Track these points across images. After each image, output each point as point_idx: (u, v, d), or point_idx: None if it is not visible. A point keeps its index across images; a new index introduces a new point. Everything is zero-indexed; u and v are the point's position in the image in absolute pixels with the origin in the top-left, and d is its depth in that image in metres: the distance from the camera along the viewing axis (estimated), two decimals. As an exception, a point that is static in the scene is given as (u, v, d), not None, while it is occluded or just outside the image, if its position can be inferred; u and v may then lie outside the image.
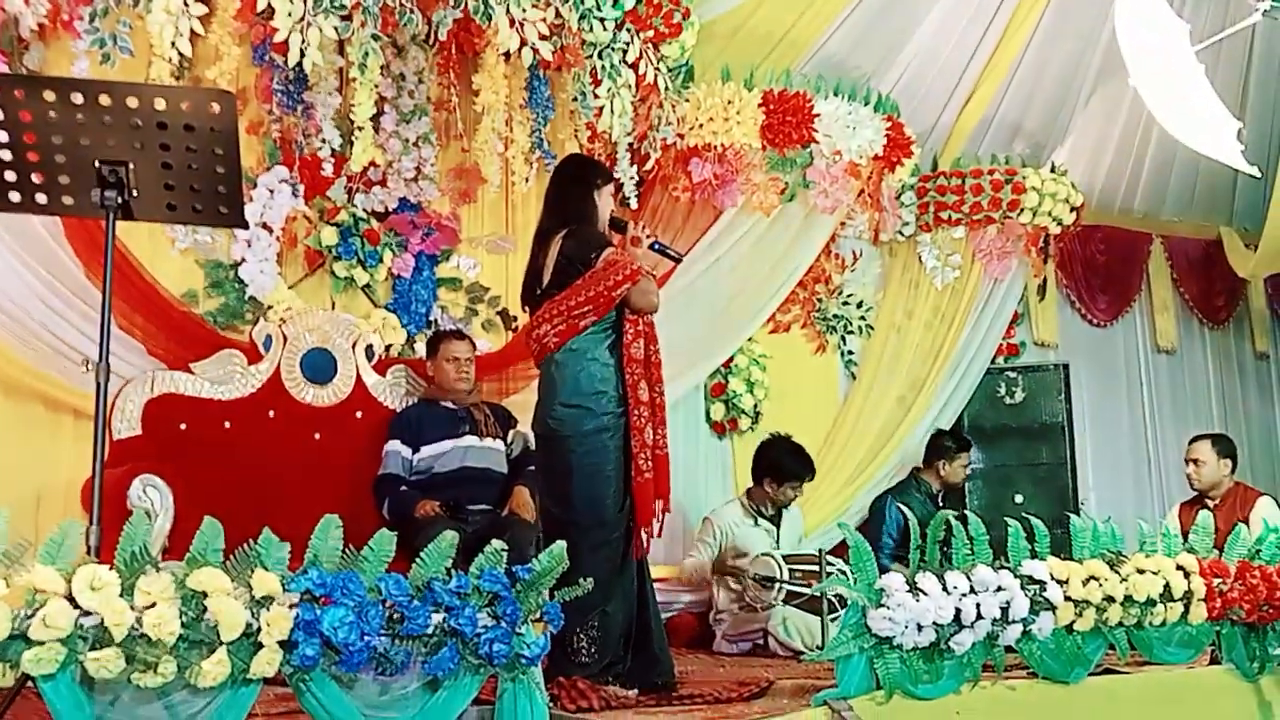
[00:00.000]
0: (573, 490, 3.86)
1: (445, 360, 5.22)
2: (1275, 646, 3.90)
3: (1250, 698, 3.84)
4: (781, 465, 5.73)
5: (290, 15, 4.49)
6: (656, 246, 4.22)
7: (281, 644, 2.41)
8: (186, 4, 4.61)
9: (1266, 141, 7.50)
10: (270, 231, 5.36)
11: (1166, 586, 3.67)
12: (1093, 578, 3.55)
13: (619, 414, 3.88)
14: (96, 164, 3.10)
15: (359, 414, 5.36)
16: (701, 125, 6.05)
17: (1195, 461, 6.05)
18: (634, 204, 5.83)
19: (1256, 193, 8.16)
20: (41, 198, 3.17)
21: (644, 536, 3.87)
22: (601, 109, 5.33)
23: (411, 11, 4.82)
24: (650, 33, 5.44)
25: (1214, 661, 3.94)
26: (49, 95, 3.05)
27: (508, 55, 5.21)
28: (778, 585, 5.31)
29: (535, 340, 4.00)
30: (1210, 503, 5.87)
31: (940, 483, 6.50)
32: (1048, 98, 7.48)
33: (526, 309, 4.15)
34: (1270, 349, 9.13)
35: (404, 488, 4.99)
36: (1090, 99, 7.55)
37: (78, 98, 3.05)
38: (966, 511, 3.92)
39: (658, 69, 5.51)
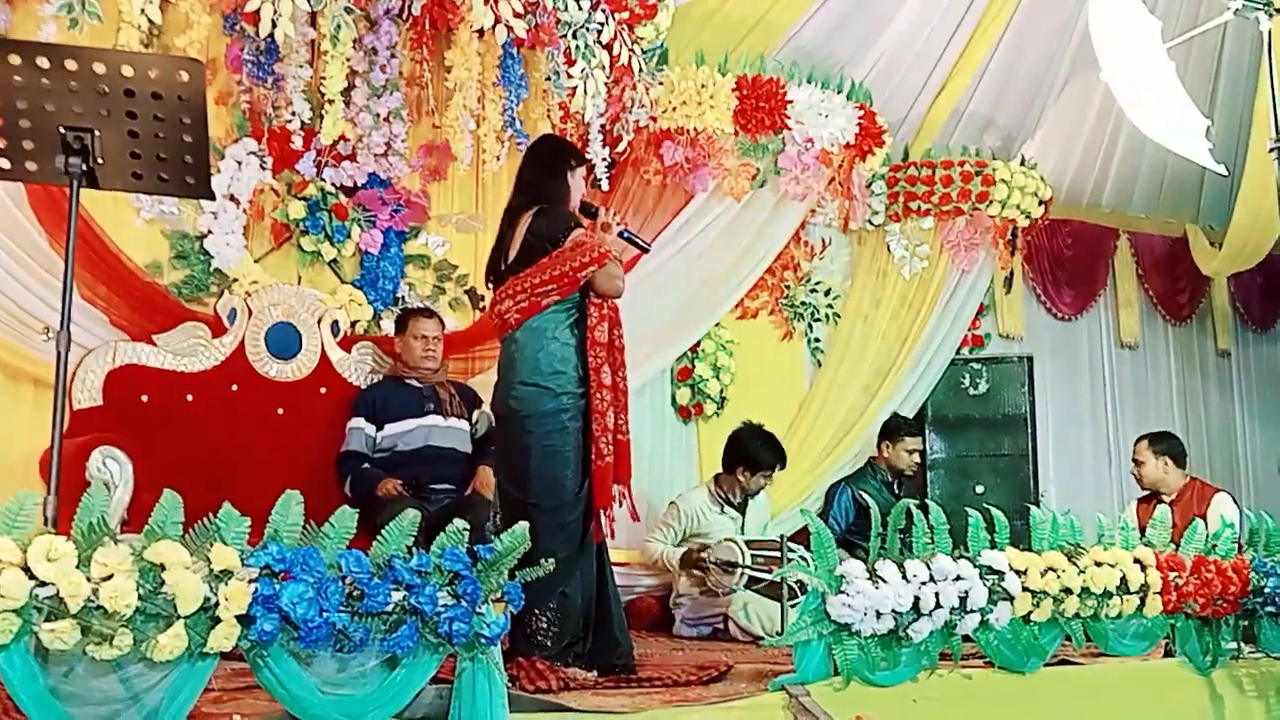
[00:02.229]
0: (530, 470, 3.86)
1: (413, 338, 5.20)
2: (1228, 640, 3.94)
3: (1203, 691, 3.88)
4: (756, 455, 5.74)
5: (262, -15, 4.45)
6: (625, 234, 4.22)
7: (239, 619, 2.40)
8: (157, -30, 4.57)
9: (1234, 140, 7.55)
10: (237, 204, 5.33)
11: (1123, 579, 3.70)
12: (1051, 569, 3.57)
13: (579, 395, 3.88)
14: (61, 130, 3.06)
15: (323, 390, 5.34)
16: (675, 108, 6.05)
17: (1136, 461, 6.11)
18: (605, 185, 5.82)
19: (1222, 192, 8.24)
20: (4, 163, 3.13)
21: (604, 520, 3.88)
22: (575, 89, 5.32)
23: (385, -15, 4.80)
24: (625, 14, 5.43)
25: (1168, 654, 3.98)
26: (14, 59, 3.01)
27: (481, 32, 5.18)
28: (739, 570, 5.33)
29: (498, 316, 4.01)
30: (1166, 498, 5.92)
31: (887, 467, 6.53)
32: (1020, 91, 7.51)
33: (491, 285, 4.15)
34: (1232, 347, 9.22)
35: (366, 465, 4.98)
36: (1062, 93, 7.59)
37: (44, 63, 3.01)
38: (927, 501, 3.94)
39: (632, 50, 5.50)
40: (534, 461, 3.86)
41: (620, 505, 3.93)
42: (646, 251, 4.52)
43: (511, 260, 3.99)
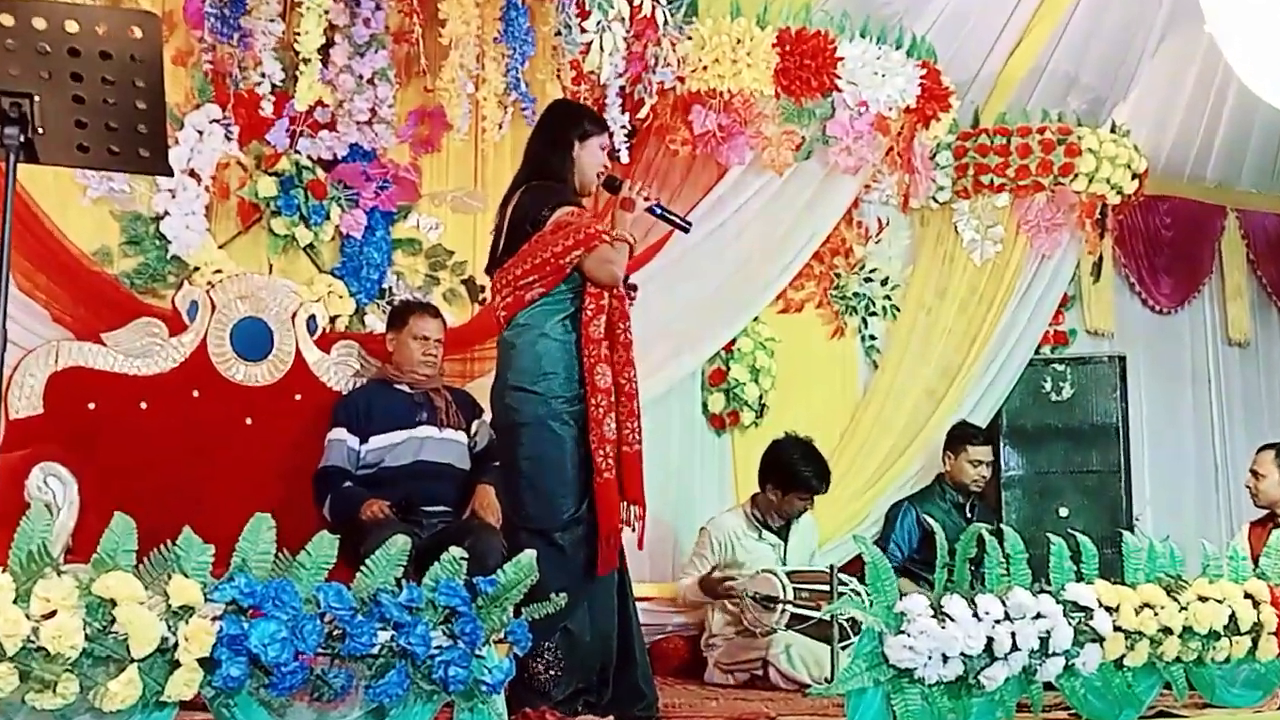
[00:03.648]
0: (520, 488, 3.90)
1: (412, 337, 5.19)
2: (1356, 689, 3.92)
3: (1325, 747, 3.86)
4: (791, 472, 5.72)
5: (226, -73, 4.47)
6: (658, 211, 4.23)
7: (202, 662, 2.41)
8: (105, -89, 4.60)
9: (1363, 102, 7.51)
10: (198, 180, 5.34)
11: (1232, 617, 3.69)
12: (1147, 605, 3.56)
13: (574, 400, 3.92)
14: (-5, 96, 3.08)
15: (298, 396, 5.35)
16: (705, 68, 6.03)
17: (1255, 474, 6.06)
18: (624, 158, 5.82)
19: (1350, 162, 8.20)
20: (-71, 135, 3.15)
21: (615, 547, 3.89)
22: (589, 46, 5.31)
23: (369, -74, 4.81)
24: (648, -43, 5.42)
25: (1285, 705, 3.97)
26: (-60, 14, 3.03)
27: (480, -21, 5.20)
28: (780, 607, 5.32)
29: (494, 314, 4.06)
30: (1285, 521, 5.89)
31: (953, 484, 6.51)
32: (1109, 46, 7.46)
33: (490, 278, 4.18)
34: (1361, 344, 9.16)
35: (349, 484, 4.98)
36: (1159, 47, 7.54)
37: (-26, 18, 3.03)
38: (1002, 525, 3.93)
39: (655, 1, 5.48)
40: (525, 478, 3.92)
41: (633, 529, 3.94)
42: (686, 230, 4.53)
43: (501, 249, 4.04)
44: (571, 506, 3.88)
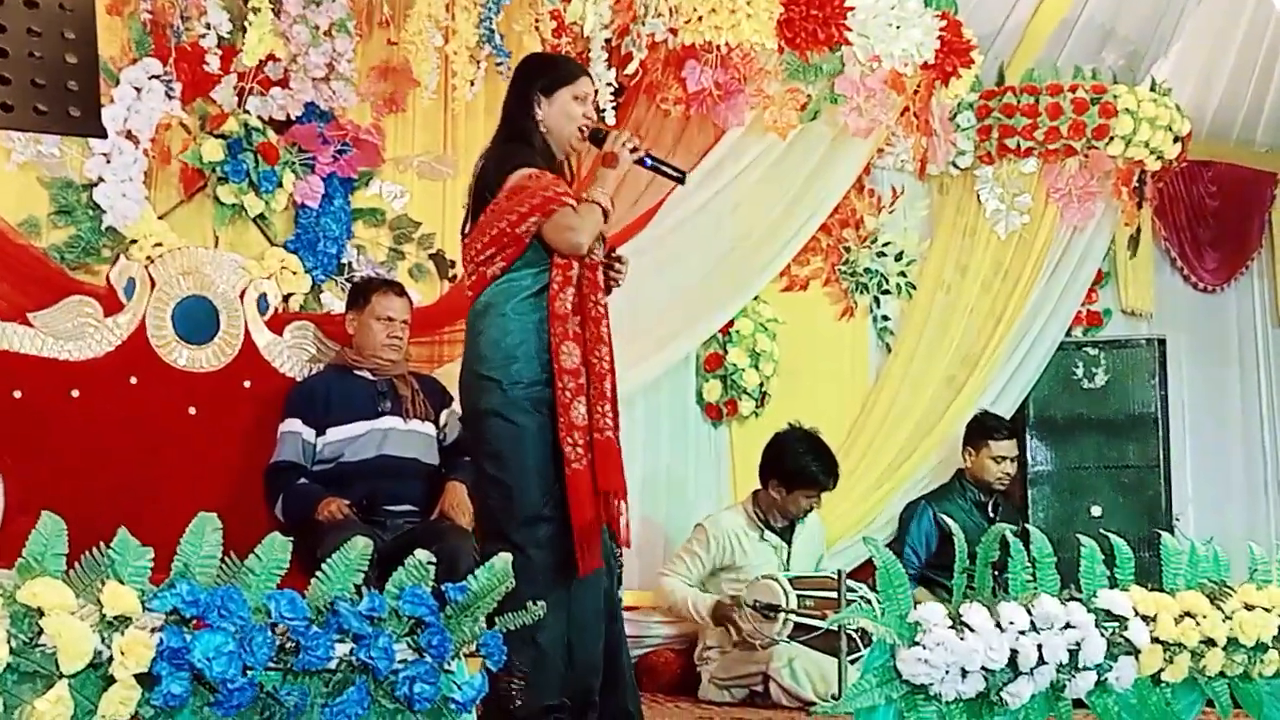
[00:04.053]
0: (486, 485, 3.95)
1: (374, 318, 5.18)
2: None
3: (1384, 772, 3.88)
4: (796, 467, 5.72)
5: None
6: (648, 162, 4.22)
7: (139, 679, 2.40)
8: None
9: None
10: (136, 143, 5.33)
11: (1282, 628, 3.70)
12: (1188, 614, 3.57)
13: (538, 385, 3.93)
14: (-95, 49, 3.07)
15: (247, 383, 5.35)
16: (701, 18, 6.02)
17: None
18: (611, 118, 5.82)
19: None
20: None
21: (593, 545, 3.87)
22: (571, -7, 5.31)
23: None
24: (636, -106, 5.42)
25: (1339, 724, 3.98)
26: None
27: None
28: (782, 616, 5.34)
29: (463, 293, 4.10)
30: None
31: (974, 481, 6.52)
32: (1149, -6, 7.49)
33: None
34: None
35: (304, 480, 4.99)
36: (1204, -3, 7.56)
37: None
38: (1028, 526, 3.94)
39: (645, -57, 5.48)
40: (489, 473, 3.96)
41: (613, 529, 3.93)
42: (680, 181, 4.51)
43: (469, 219, 4.08)
44: (539, 504, 3.89)
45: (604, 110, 5.69)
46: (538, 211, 3.90)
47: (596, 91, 4.60)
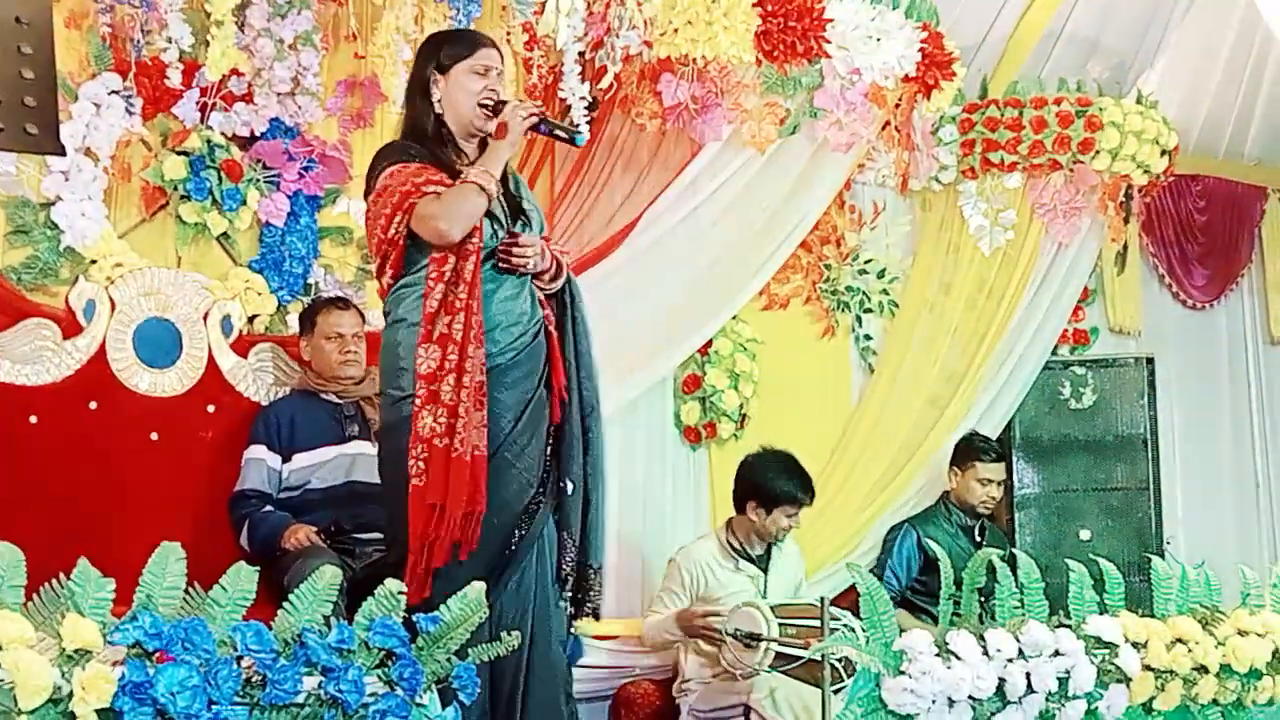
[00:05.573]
0: (383, 507, 3.94)
1: (324, 338, 5.19)
2: None
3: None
4: (769, 485, 5.72)
5: None
6: (543, 129, 4.15)
7: (101, 714, 2.40)
8: None
9: None
10: (95, 161, 5.31)
11: (1275, 653, 3.71)
12: (1180, 641, 3.58)
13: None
14: None
15: (211, 408, 5.33)
16: (677, 30, 6.03)
17: None
18: (585, 134, 5.81)
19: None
20: None
21: (422, 570, 3.71)
22: (544, 5, 5.31)
23: None
24: (610, -96, 5.44)
25: (1335, 753, 3.99)
26: None
27: (418, -71, 5.20)
28: (764, 644, 5.33)
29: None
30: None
31: (959, 504, 6.52)
32: (1134, 5, 7.52)
33: None
34: None
35: (270, 508, 4.98)
36: (1190, 9, 7.59)
37: None
38: (1015, 550, 3.95)
39: (619, -46, 5.50)
40: (383, 495, 3.96)
41: (442, 546, 3.75)
42: (573, 143, 4.32)
43: None
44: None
45: (579, 124, 5.70)
46: (399, 210, 3.85)
47: (504, 65, 4.37)
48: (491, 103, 4.06)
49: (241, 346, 5.45)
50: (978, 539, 6.47)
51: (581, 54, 5.71)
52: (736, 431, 6.70)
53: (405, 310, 3.92)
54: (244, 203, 5.58)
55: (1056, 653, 3.35)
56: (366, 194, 4.03)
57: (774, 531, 5.77)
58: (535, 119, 4.03)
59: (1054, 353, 7.45)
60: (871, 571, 4.04)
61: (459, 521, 3.74)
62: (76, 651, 2.40)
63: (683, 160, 6.34)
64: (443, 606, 2.81)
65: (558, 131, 4.23)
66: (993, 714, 3.27)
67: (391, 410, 3.92)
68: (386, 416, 3.96)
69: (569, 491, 4.15)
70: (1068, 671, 3.36)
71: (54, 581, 2.48)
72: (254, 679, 2.54)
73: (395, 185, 3.88)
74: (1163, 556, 3.87)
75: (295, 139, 5.71)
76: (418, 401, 3.79)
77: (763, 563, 5.83)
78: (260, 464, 5.05)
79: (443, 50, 4.14)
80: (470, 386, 3.79)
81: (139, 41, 5.37)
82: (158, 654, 2.45)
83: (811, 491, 5.79)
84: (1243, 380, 8.65)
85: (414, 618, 2.75)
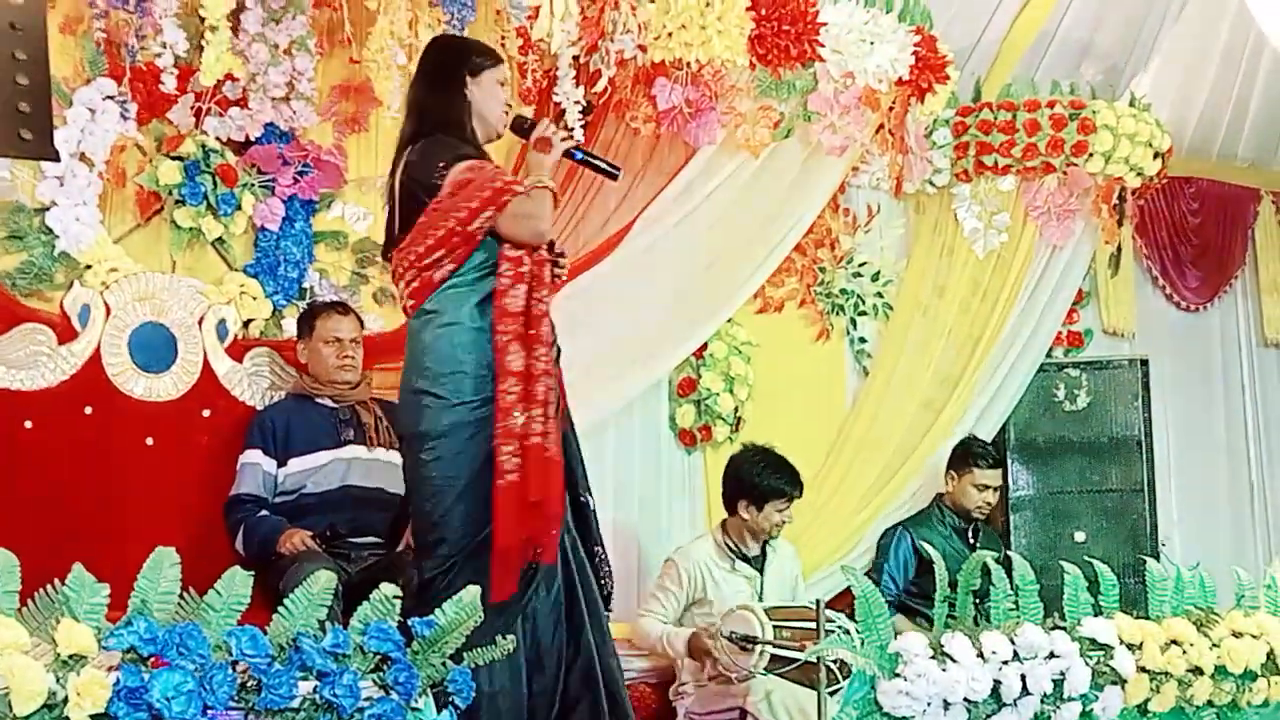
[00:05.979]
0: (418, 511, 3.83)
1: (322, 342, 5.19)
2: None
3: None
4: (757, 482, 5.72)
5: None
6: (579, 156, 4.17)
7: (96, 719, 2.39)
8: None
9: None
10: (90, 166, 5.31)
11: (1270, 655, 3.72)
12: (1174, 642, 3.58)
13: (490, 402, 3.77)
14: None
15: (206, 413, 5.33)
16: (671, 34, 6.03)
17: None
18: (580, 137, 5.82)
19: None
20: None
21: (513, 567, 3.72)
22: (538, 9, 5.31)
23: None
24: (604, -91, 5.44)
25: (1330, 754, 4.00)
26: None
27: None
28: (759, 647, 5.33)
29: (400, 303, 3.99)
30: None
31: (954, 507, 6.53)
32: (1127, 8, 7.52)
33: (388, 261, 4.11)
34: None
35: (265, 512, 4.97)
36: (1182, 10, 7.60)
37: None
38: (1010, 552, 3.95)
39: (613, -42, 5.50)
40: (418, 500, 3.83)
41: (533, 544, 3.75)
42: (614, 177, 4.41)
43: (398, 224, 3.95)
44: (475, 528, 3.73)
45: (572, 129, 5.70)
46: (490, 205, 3.78)
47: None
48: (514, 116, 4.10)
49: (237, 351, 5.45)
50: (972, 541, 6.48)
51: (576, 58, 5.71)
52: (731, 434, 6.70)
53: (460, 314, 3.82)
54: (239, 207, 5.58)
55: (1051, 655, 3.35)
56: (419, 188, 3.88)
57: (767, 528, 5.77)
58: (573, 145, 4.10)
59: (1048, 355, 7.45)
60: (867, 575, 4.04)
61: (553, 521, 3.76)
62: (71, 657, 2.40)
63: (677, 164, 6.34)
64: (438, 610, 2.80)
65: (595, 162, 4.24)
66: (988, 716, 3.27)
67: (441, 414, 3.78)
68: (429, 420, 3.80)
69: (590, 506, 4.12)
70: (1063, 673, 3.36)
71: (49, 586, 2.48)
72: (249, 684, 2.54)
73: (483, 180, 3.80)
74: (1157, 558, 3.88)
75: (290, 144, 5.71)
76: (509, 397, 3.72)
77: (758, 563, 5.84)
78: (256, 468, 5.05)
79: (473, 55, 4.15)
80: (558, 390, 3.85)
81: (134, 47, 5.37)
82: (153, 659, 2.45)
83: (800, 484, 5.81)
84: (1236, 382, 8.66)
85: (409, 622, 2.74)
